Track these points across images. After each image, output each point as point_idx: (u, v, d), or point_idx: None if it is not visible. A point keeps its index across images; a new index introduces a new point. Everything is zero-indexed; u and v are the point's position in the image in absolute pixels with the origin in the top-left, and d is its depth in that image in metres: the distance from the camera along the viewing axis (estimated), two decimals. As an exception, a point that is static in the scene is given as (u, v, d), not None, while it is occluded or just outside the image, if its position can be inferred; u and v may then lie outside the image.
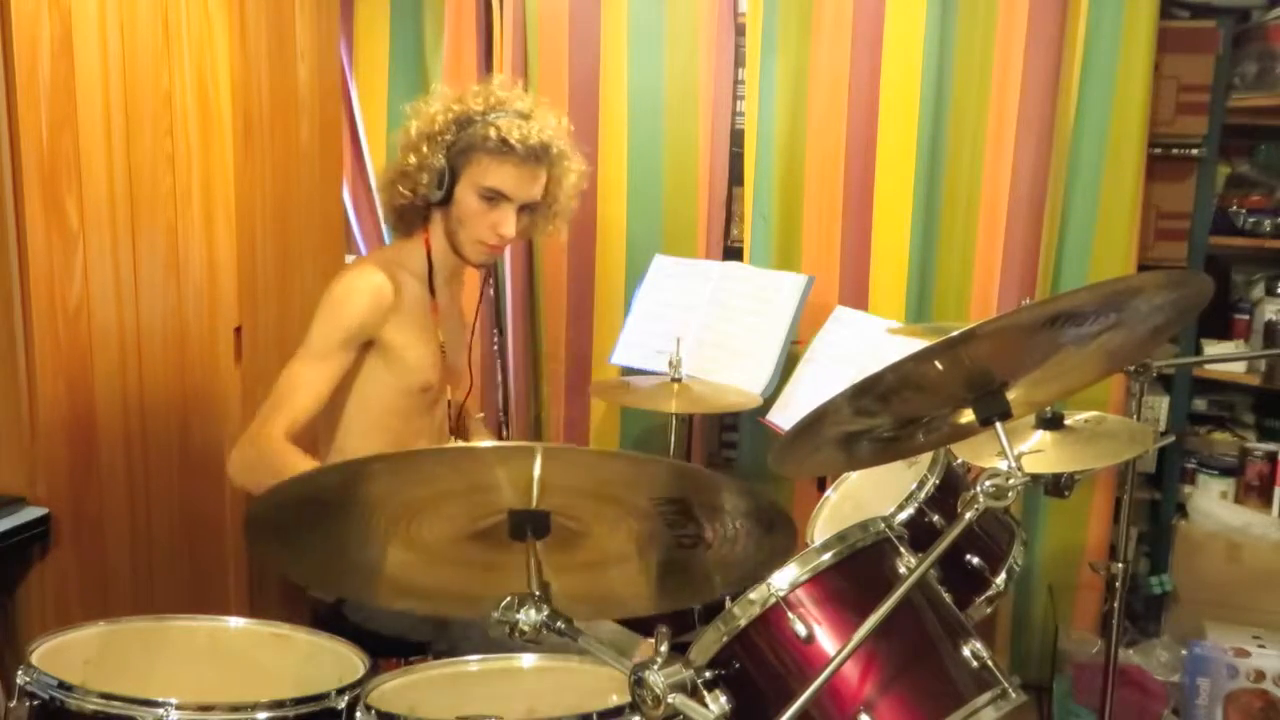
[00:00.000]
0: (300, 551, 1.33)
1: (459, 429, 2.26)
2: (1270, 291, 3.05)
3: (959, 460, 1.92)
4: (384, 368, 2.03)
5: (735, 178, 3.13)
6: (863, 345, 2.59)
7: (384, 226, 2.29)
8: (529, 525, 1.23)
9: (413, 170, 2.02)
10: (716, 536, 1.27)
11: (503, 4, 3.12)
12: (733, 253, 3.16)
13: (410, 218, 2.09)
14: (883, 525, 1.31)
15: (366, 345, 2.00)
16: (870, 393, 1.22)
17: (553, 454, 1.15)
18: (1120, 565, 2.37)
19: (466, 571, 1.34)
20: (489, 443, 2.15)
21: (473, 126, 1.98)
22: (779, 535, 1.27)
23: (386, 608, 1.85)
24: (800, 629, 1.20)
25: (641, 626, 1.90)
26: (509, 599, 1.18)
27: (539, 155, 2.00)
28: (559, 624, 1.17)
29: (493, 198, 2.00)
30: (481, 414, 2.43)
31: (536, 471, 1.15)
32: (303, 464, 1.82)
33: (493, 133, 1.96)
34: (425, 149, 2.01)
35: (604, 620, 1.87)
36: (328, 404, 1.97)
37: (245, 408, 2.39)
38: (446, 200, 2.02)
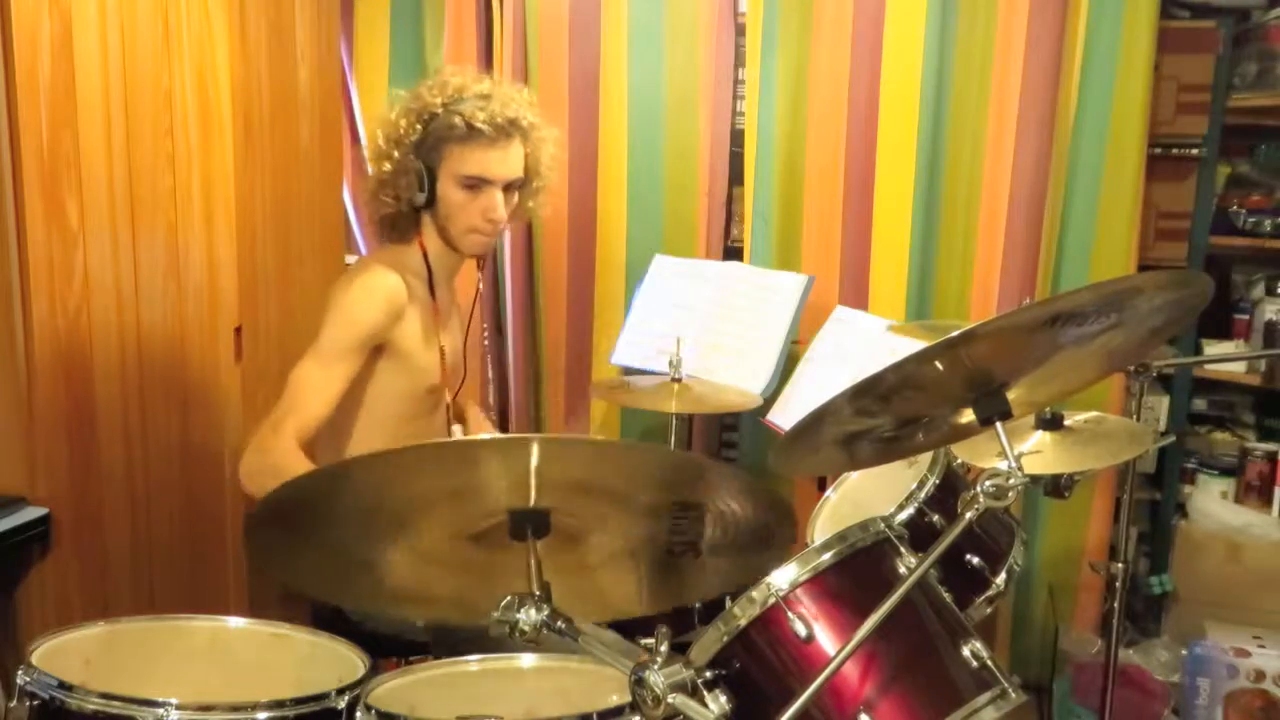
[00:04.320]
0: (302, 562, 1.32)
1: (459, 420, 2.25)
2: (1270, 291, 3.05)
3: (959, 460, 1.92)
4: (392, 371, 2.03)
5: (735, 178, 3.12)
6: (863, 345, 2.59)
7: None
8: (529, 525, 1.23)
9: (390, 177, 2.03)
10: (716, 536, 1.27)
11: (503, 4, 3.11)
12: (733, 253, 3.16)
13: (401, 225, 2.09)
14: (883, 525, 1.31)
15: (376, 349, 2.00)
16: (870, 393, 1.22)
17: (549, 446, 1.14)
18: (1120, 565, 2.36)
19: (465, 576, 1.34)
20: (485, 435, 2.15)
21: (436, 119, 1.99)
22: (778, 536, 1.27)
23: (388, 615, 1.85)
24: (800, 629, 1.19)
25: (640, 626, 1.89)
26: (509, 599, 1.18)
27: (508, 131, 2.00)
28: (559, 624, 1.17)
29: (474, 184, 2.01)
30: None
31: (533, 464, 1.15)
32: None
33: (457, 120, 1.97)
34: (397, 154, 2.02)
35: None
36: None
37: (245, 407, 2.39)
38: (431, 200, 2.02)
